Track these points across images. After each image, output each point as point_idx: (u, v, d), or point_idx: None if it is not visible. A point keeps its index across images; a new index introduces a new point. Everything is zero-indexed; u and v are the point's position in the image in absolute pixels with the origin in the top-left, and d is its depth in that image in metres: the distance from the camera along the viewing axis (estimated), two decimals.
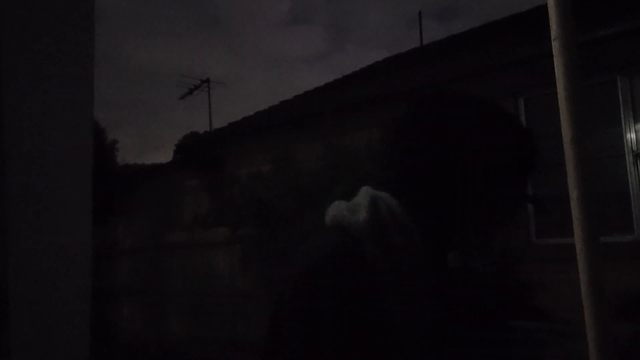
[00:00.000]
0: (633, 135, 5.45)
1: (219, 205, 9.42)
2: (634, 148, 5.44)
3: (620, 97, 5.52)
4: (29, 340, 0.63)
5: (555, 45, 1.17)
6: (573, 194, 1.14)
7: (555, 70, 1.17)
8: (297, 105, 10.05)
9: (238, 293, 8.42)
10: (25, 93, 0.65)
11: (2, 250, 0.62)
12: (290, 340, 0.73)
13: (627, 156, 5.47)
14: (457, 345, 0.84)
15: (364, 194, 0.85)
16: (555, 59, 1.17)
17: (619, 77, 5.52)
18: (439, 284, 0.82)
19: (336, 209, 0.85)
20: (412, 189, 0.84)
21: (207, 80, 16.09)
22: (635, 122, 5.45)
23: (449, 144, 0.85)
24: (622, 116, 5.52)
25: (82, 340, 0.66)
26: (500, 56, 6.50)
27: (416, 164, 0.85)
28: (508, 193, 0.90)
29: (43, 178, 0.66)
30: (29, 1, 0.65)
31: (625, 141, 5.49)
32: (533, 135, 0.94)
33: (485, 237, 0.90)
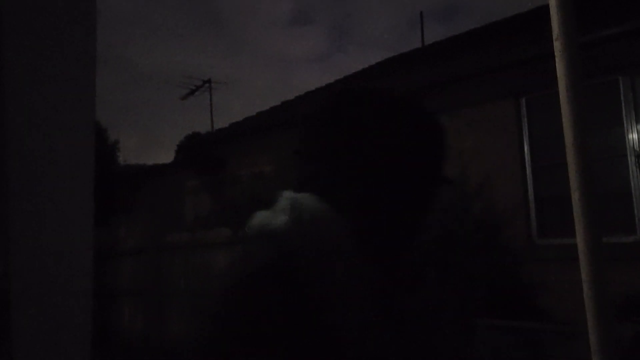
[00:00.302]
0: (635, 136, 5.44)
1: (221, 205, 9.42)
2: (635, 148, 5.43)
3: (622, 98, 5.51)
4: (31, 341, 0.63)
5: (557, 46, 1.17)
6: (575, 194, 1.14)
7: (557, 71, 1.17)
8: (298, 106, 10.06)
9: None
10: (27, 93, 0.65)
11: (3, 250, 0.62)
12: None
13: (629, 156, 5.46)
14: (401, 342, 0.83)
15: (284, 198, 0.84)
16: (556, 59, 1.17)
17: (621, 77, 5.51)
18: (379, 282, 0.79)
19: (258, 218, 0.83)
20: (328, 184, 0.83)
21: (209, 81, 16.11)
22: (637, 122, 5.45)
23: (358, 138, 0.84)
24: (623, 116, 5.51)
25: (84, 341, 0.66)
26: (502, 56, 6.49)
27: (329, 159, 0.84)
28: (421, 179, 0.87)
29: (45, 178, 0.66)
30: (31, 2, 0.65)
31: (627, 141, 5.48)
32: (440, 123, 0.92)
33: (408, 227, 0.87)
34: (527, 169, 6.14)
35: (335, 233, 0.77)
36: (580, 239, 1.13)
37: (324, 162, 0.85)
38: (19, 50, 0.64)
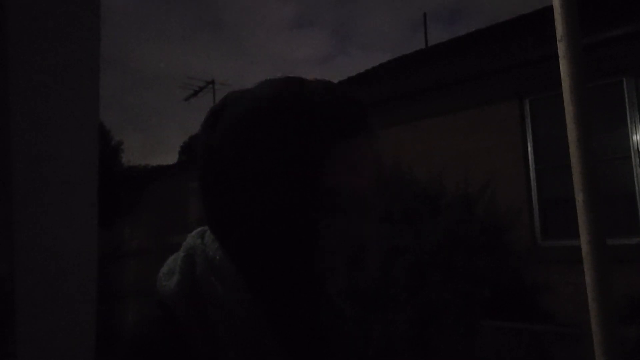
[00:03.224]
0: (639, 137, 5.43)
1: None
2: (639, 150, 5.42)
3: (627, 99, 5.50)
4: (35, 342, 0.63)
5: (561, 47, 1.17)
6: (579, 195, 1.13)
7: (561, 72, 1.17)
8: None
9: None
10: (31, 95, 0.65)
11: (7, 251, 0.62)
12: None
13: (633, 158, 5.45)
14: None
15: (184, 244, 0.76)
16: (560, 61, 1.17)
17: (625, 78, 5.50)
18: (288, 334, 0.70)
19: (162, 270, 0.75)
20: (224, 222, 0.72)
21: (212, 82, 16.13)
22: None
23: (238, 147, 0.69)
24: (628, 118, 5.50)
25: (88, 342, 0.66)
26: (506, 58, 6.49)
27: (219, 191, 0.72)
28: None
29: (48, 179, 0.66)
30: (34, 4, 0.65)
31: (631, 143, 5.47)
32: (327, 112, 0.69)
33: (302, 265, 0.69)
34: (531, 171, 6.13)
35: (230, 291, 0.67)
36: (584, 241, 1.12)
37: (215, 194, 0.73)
38: (24, 52, 0.64)
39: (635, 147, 5.44)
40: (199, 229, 0.80)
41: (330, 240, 0.68)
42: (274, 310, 0.70)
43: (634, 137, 5.45)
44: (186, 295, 0.68)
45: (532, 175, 6.12)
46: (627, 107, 5.50)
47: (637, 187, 5.39)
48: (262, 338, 0.67)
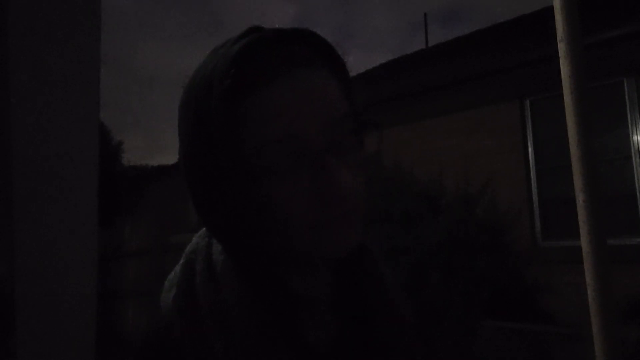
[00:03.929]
0: None
1: None
2: None
3: (627, 99, 5.50)
4: (35, 341, 0.64)
5: (562, 47, 1.17)
6: (579, 196, 1.13)
7: (562, 72, 1.17)
8: None
9: None
10: (32, 95, 0.65)
11: (8, 251, 0.63)
12: None
13: (634, 158, 5.44)
14: None
15: (187, 247, 0.68)
16: (561, 61, 1.17)
17: (626, 78, 5.49)
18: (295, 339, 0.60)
19: (167, 280, 0.67)
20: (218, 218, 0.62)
21: None
22: None
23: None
24: (628, 118, 5.50)
25: (88, 342, 0.66)
26: (507, 58, 6.48)
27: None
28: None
29: (49, 179, 0.66)
30: (35, 5, 0.65)
31: (632, 143, 5.46)
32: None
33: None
34: (532, 171, 6.12)
35: (231, 303, 0.59)
36: (584, 241, 1.12)
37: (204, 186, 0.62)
38: (25, 52, 0.64)
39: (636, 148, 5.44)
40: (192, 241, 0.71)
41: (278, 204, 0.56)
42: (276, 319, 0.59)
43: (635, 138, 5.45)
44: (183, 313, 0.60)
45: (533, 175, 6.12)
46: (628, 107, 5.49)
47: (637, 188, 5.39)
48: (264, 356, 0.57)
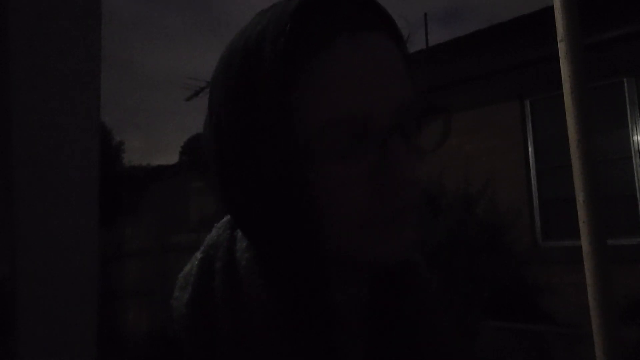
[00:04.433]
0: None
1: None
2: None
3: (627, 99, 5.50)
4: (36, 341, 0.64)
5: (562, 47, 1.17)
6: (579, 196, 1.13)
7: (562, 72, 1.17)
8: None
9: None
10: (33, 95, 0.65)
11: (9, 251, 0.63)
12: None
13: (634, 158, 5.44)
14: None
15: (207, 238, 0.57)
16: (561, 61, 1.17)
17: (626, 78, 5.49)
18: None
19: (179, 276, 0.57)
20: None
21: None
22: None
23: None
24: (628, 118, 5.50)
25: (89, 341, 0.66)
26: (507, 58, 6.48)
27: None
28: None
29: (50, 179, 0.66)
30: (36, 5, 0.66)
31: (632, 143, 5.46)
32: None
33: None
34: (532, 171, 6.12)
35: (256, 315, 0.49)
36: (584, 241, 1.12)
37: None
38: (25, 52, 0.64)
39: (636, 148, 5.43)
40: (211, 235, 0.58)
41: (326, 195, 0.47)
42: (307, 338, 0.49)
43: (635, 138, 5.45)
44: (197, 323, 0.50)
45: (533, 175, 6.12)
46: (628, 107, 5.49)
47: (637, 188, 5.39)
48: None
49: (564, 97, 1.16)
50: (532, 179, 6.11)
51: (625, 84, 5.50)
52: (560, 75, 1.17)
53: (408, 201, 0.49)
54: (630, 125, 5.49)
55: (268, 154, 0.47)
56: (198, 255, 0.55)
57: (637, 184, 5.40)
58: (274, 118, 0.46)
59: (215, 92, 0.52)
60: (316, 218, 0.48)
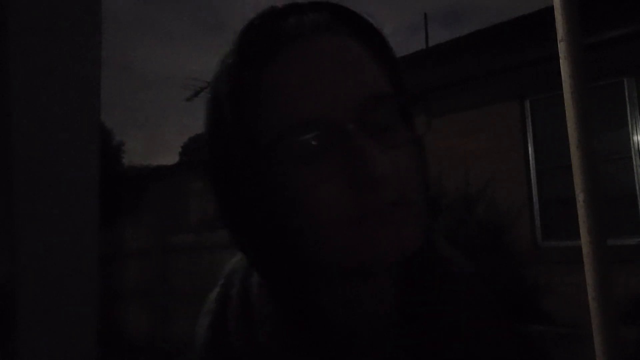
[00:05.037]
0: None
1: None
2: None
3: (627, 99, 5.50)
4: (35, 343, 0.64)
5: (562, 47, 1.17)
6: (580, 196, 1.13)
7: (562, 72, 1.17)
8: None
9: None
10: (31, 96, 0.65)
11: (8, 252, 0.63)
12: None
13: (634, 158, 5.44)
14: None
15: (227, 266, 0.60)
16: (561, 61, 1.17)
17: (626, 78, 5.49)
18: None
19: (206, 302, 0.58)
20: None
21: None
22: None
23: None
24: (628, 118, 5.50)
25: (89, 342, 0.66)
26: (506, 58, 6.48)
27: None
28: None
29: (50, 180, 0.66)
30: (36, 5, 0.66)
31: (632, 143, 5.46)
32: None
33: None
34: (532, 171, 6.12)
35: (265, 339, 0.50)
36: (584, 241, 1.12)
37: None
38: (25, 52, 0.64)
39: (636, 148, 5.44)
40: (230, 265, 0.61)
41: (300, 200, 0.46)
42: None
43: (635, 138, 5.45)
44: (214, 350, 0.51)
45: (533, 175, 6.12)
46: (628, 107, 5.49)
47: (637, 188, 5.39)
48: None
49: (564, 97, 1.16)
50: (532, 179, 6.11)
51: (625, 84, 5.50)
52: (560, 75, 1.17)
53: (390, 197, 0.45)
54: (630, 125, 5.49)
55: (236, 164, 0.49)
56: (220, 282, 0.57)
57: (637, 184, 5.40)
58: (232, 129, 0.48)
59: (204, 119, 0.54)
60: (292, 223, 0.48)
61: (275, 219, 0.48)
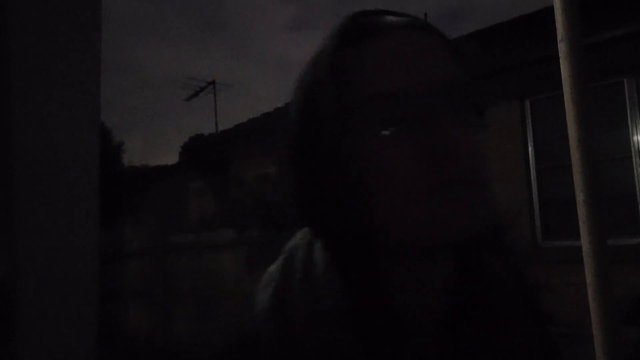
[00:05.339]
0: None
1: (225, 207, 9.44)
2: None
3: (627, 99, 5.50)
4: (36, 342, 0.64)
5: (562, 47, 1.17)
6: (580, 196, 1.13)
7: (562, 72, 1.17)
8: None
9: (244, 295, 8.43)
10: (32, 96, 0.65)
11: (9, 251, 0.63)
12: None
13: (634, 158, 5.44)
14: None
15: (288, 242, 0.61)
16: (561, 61, 1.17)
17: (626, 79, 5.49)
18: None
19: (264, 276, 0.60)
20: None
21: (213, 82, 16.13)
22: None
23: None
24: (628, 118, 5.50)
25: (89, 342, 0.66)
26: (507, 58, 6.48)
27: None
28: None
29: (50, 180, 0.66)
30: (36, 5, 0.66)
31: (632, 143, 5.46)
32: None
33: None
34: (532, 171, 6.12)
35: (328, 311, 0.51)
36: (584, 241, 1.12)
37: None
38: (25, 52, 0.64)
39: (636, 148, 5.44)
40: (294, 238, 0.62)
41: (375, 167, 0.49)
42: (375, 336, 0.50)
43: (635, 138, 5.45)
44: (277, 314, 0.53)
45: (533, 175, 6.12)
46: (628, 107, 5.49)
47: (637, 188, 5.39)
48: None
49: (564, 97, 1.16)
50: (532, 179, 6.11)
51: (625, 84, 5.50)
52: (560, 75, 1.17)
53: (466, 172, 0.49)
54: (630, 125, 5.49)
55: (322, 131, 0.52)
56: (281, 256, 0.59)
57: (637, 184, 5.40)
58: (328, 95, 0.52)
59: (291, 102, 0.58)
60: (366, 193, 0.50)
61: (351, 189, 0.51)
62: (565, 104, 1.16)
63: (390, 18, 0.56)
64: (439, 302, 0.55)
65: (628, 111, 5.49)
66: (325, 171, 0.52)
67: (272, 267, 0.59)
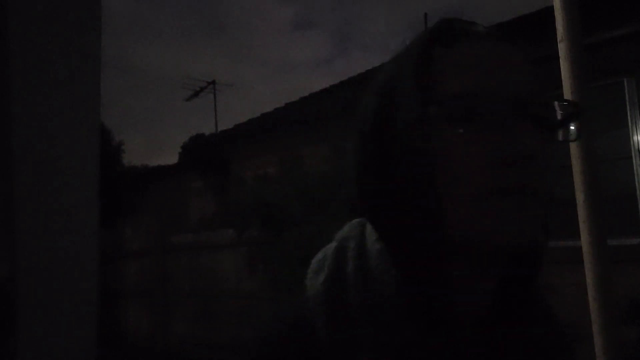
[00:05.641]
0: None
1: (225, 207, 9.44)
2: None
3: (627, 99, 5.49)
4: (36, 342, 0.64)
5: (562, 47, 1.17)
6: (579, 196, 1.13)
7: (562, 72, 1.17)
8: (303, 108, 10.06)
9: (244, 295, 8.43)
10: (33, 96, 0.65)
11: (10, 251, 0.63)
12: None
13: (634, 158, 5.44)
14: None
15: (338, 234, 0.62)
16: (561, 61, 1.17)
17: (626, 79, 5.49)
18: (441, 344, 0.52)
19: (311, 264, 0.61)
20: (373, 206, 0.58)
21: (213, 82, 16.12)
22: None
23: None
24: (628, 118, 5.49)
25: (89, 342, 0.66)
26: None
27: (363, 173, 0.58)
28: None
29: (50, 180, 0.66)
30: (36, 6, 0.66)
31: (632, 143, 5.46)
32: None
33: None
34: None
35: (384, 298, 0.52)
36: (584, 241, 1.12)
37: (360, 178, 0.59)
38: (25, 53, 0.64)
39: (636, 148, 5.43)
40: (348, 225, 0.63)
41: (445, 164, 0.51)
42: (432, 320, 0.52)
43: (635, 138, 5.45)
44: (331, 299, 0.54)
45: None
46: (628, 107, 5.49)
47: (637, 188, 5.39)
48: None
49: (564, 97, 1.16)
50: None
51: (625, 84, 5.50)
52: (560, 75, 1.17)
53: (531, 178, 0.50)
54: (630, 125, 5.48)
55: (401, 118, 0.53)
56: (332, 245, 0.60)
57: (637, 184, 5.39)
58: (410, 89, 0.53)
59: (364, 97, 0.60)
60: (433, 189, 0.51)
61: (422, 184, 0.52)
62: None
63: (479, 27, 0.58)
64: (480, 304, 0.57)
65: (628, 111, 5.49)
66: (398, 163, 0.54)
67: (320, 256, 0.60)
